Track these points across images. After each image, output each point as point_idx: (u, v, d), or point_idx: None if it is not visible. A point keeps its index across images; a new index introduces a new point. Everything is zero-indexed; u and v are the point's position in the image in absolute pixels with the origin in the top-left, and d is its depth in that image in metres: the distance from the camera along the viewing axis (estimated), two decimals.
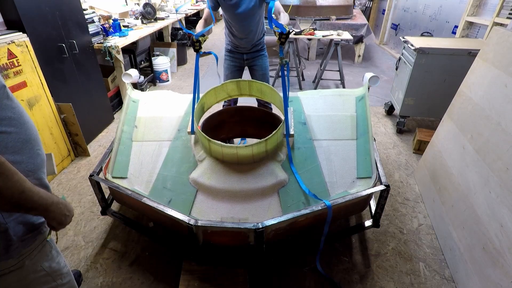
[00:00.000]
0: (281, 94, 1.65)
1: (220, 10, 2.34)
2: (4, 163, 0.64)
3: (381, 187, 1.51)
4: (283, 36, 1.55)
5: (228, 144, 1.51)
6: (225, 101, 2.77)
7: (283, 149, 1.66)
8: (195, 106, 1.71)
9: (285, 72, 1.58)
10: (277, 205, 1.49)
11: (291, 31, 4.34)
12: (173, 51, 5.02)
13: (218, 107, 2.83)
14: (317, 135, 1.73)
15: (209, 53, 1.88)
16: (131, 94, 1.97)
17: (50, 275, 0.93)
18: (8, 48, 1.97)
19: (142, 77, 3.92)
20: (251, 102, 2.88)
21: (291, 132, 1.68)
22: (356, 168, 1.60)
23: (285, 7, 5.28)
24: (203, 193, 1.53)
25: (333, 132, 1.74)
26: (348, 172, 1.59)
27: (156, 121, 1.86)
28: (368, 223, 1.76)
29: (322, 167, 1.62)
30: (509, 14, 3.15)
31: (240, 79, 1.88)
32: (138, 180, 1.62)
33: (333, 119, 1.80)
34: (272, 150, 1.60)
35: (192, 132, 1.74)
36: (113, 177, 1.63)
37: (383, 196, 1.55)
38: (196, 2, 7.77)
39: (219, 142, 1.51)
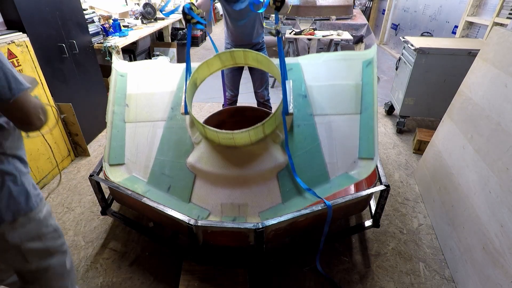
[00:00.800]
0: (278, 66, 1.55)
1: (220, 10, 2.34)
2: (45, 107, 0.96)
3: (381, 187, 1.51)
4: (277, 1, 1.45)
5: (224, 131, 1.44)
6: (225, 100, 2.77)
7: (282, 128, 1.56)
8: (187, 83, 1.62)
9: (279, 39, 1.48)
10: (276, 190, 1.47)
11: (290, 30, 4.35)
12: (173, 51, 5.02)
13: (218, 107, 2.84)
14: (318, 110, 1.61)
15: (202, 23, 1.71)
16: (117, 67, 1.83)
17: (56, 231, 1.09)
18: (8, 48, 1.97)
19: None
20: (251, 102, 2.89)
21: (290, 110, 1.56)
22: (358, 148, 1.51)
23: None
24: (201, 179, 1.52)
25: (336, 105, 1.61)
26: (349, 152, 1.51)
27: (147, 99, 1.76)
28: (368, 223, 1.76)
29: (323, 146, 1.53)
30: (509, 14, 3.15)
31: (233, 49, 1.75)
32: (136, 165, 1.60)
33: (336, 89, 1.65)
34: (270, 131, 1.54)
35: (186, 112, 1.66)
36: (111, 165, 1.59)
37: (383, 196, 1.55)
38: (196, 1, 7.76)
39: (214, 128, 1.46)
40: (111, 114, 1.71)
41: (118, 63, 1.89)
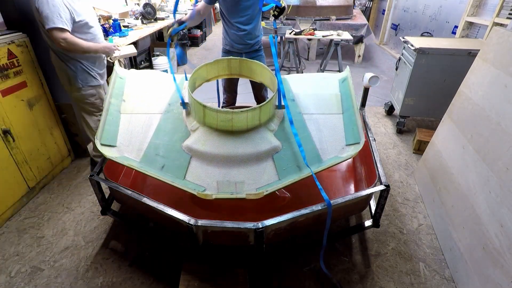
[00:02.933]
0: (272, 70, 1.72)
1: (218, 9, 2.35)
2: (75, 40, 1.90)
3: (381, 187, 1.51)
4: (277, 9, 1.80)
5: (224, 109, 1.53)
6: (223, 102, 2.77)
7: (275, 120, 1.70)
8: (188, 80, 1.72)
9: (274, 41, 1.71)
10: (273, 169, 1.52)
11: (290, 30, 4.35)
12: (173, 51, 5.02)
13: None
14: (305, 110, 1.78)
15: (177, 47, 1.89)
16: (118, 70, 1.92)
17: (93, 105, 2.20)
18: (8, 48, 1.97)
19: None
20: (250, 102, 2.89)
21: (283, 103, 1.72)
22: (344, 138, 1.65)
23: None
24: (197, 159, 1.54)
25: (321, 107, 1.80)
26: (337, 141, 1.65)
27: (145, 96, 1.82)
28: (368, 223, 1.76)
29: (313, 136, 1.66)
30: (509, 14, 3.15)
31: (231, 57, 1.91)
32: (128, 148, 1.60)
33: (319, 97, 1.85)
34: (265, 120, 1.64)
35: (183, 103, 1.71)
36: (102, 144, 1.59)
37: (383, 196, 1.55)
38: (196, 2, 7.77)
39: (215, 107, 1.52)
40: (107, 103, 1.73)
41: (119, 69, 1.96)
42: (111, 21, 3.59)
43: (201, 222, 1.32)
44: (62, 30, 1.80)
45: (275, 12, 1.82)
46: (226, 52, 2.51)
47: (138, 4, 5.08)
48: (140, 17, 4.43)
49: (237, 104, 2.81)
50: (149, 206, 1.42)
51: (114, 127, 1.66)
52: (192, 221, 1.31)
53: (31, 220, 2.04)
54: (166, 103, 1.78)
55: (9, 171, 2.03)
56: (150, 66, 4.37)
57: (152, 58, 4.38)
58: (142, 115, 1.73)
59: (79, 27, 1.92)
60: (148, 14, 4.43)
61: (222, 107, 2.74)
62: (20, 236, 1.91)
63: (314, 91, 1.89)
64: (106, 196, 1.86)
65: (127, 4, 4.83)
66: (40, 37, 2.27)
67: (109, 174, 1.70)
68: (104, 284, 1.63)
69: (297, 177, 1.49)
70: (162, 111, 1.75)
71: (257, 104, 2.79)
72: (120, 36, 3.48)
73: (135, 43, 3.72)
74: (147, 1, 4.94)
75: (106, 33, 3.40)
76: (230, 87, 2.66)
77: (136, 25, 4.15)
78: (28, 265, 1.73)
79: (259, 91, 2.69)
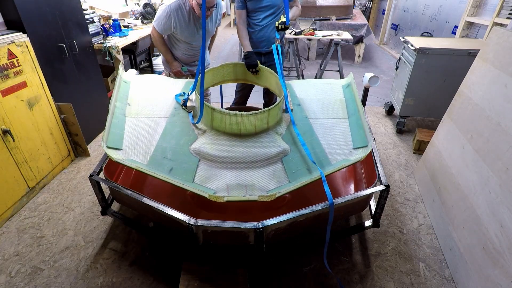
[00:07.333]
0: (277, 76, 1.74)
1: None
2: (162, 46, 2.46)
3: (381, 187, 1.51)
4: (283, 24, 1.85)
5: (233, 112, 1.53)
6: (233, 102, 2.77)
7: (282, 124, 1.71)
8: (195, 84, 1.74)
9: (278, 50, 1.77)
10: (282, 172, 1.52)
11: (290, 30, 4.36)
12: None
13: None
14: (311, 114, 1.80)
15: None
16: (122, 74, 1.92)
17: None
18: (8, 48, 1.97)
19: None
20: (256, 102, 2.89)
21: (290, 106, 1.75)
22: (351, 141, 1.66)
23: None
24: (206, 162, 1.54)
25: (326, 112, 1.81)
26: (344, 145, 1.66)
27: (150, 100, 1.83)
28: (368, 223, 1.76)
29: (320, 140, 1.67)
30: (509, 14, 3.15)
31: (237, 62, 1.93)
32: (135, 151, 1.59)
33: (324, 102, 1.87)
34: (273, 124, 1.66)
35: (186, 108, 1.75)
36: (108, 147, 1.58)
37: (383, 196, 1.55)
38: None
39: (224, 109, 1.52)
40: (113, 106, 1.73)
41: (125, 73, 1.97)
42: (111, 21, 3.59)
43: (201, 222, 1.32)
44: (156, 30, 2.31)
45: (280, 26, 1.85)
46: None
47: (138, 4, 5.08)
48: (140, 17, 4.44)
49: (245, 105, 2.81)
50: (149, 206, 1.42)
51: (119, 130, 1.66)
52: (192, 221, 1.31)
53: (31, 220, 2.04)
54: (172, 107, 1.79)
55: (9, 171, 2.03)
56: (150, 66, 4.37)
57: (152, 58, 4.38)
58: (148, 118, 1.74)
59: (176, 35, 2.37)
60: (148, 14, 4.43)
61: (230, 106, 2.74)
62: (20, 236, 1.92)
63: (318, 96, 1.91)
64: (106, 196, 1.86)
65: (127, 4, 4.83)
66: (40, 37, 2.29)
67: (109, 174, 1.70)
68: (104, 284, 1.63)
69: (308, 179, 1.48)
70: (168, 114, 1.75)
71: (263, 104, 2.79)
72: (120, 36, 3.48)
73: (135, 43, 3.73)
74: (147, 1, 4.94)
75: (106, 33, 3.41)
76: (246, 90, 2.67)
77: (136, 25, 4.15)
78: (28, 265, 1.73)
79: (269, 90, 2.70)
